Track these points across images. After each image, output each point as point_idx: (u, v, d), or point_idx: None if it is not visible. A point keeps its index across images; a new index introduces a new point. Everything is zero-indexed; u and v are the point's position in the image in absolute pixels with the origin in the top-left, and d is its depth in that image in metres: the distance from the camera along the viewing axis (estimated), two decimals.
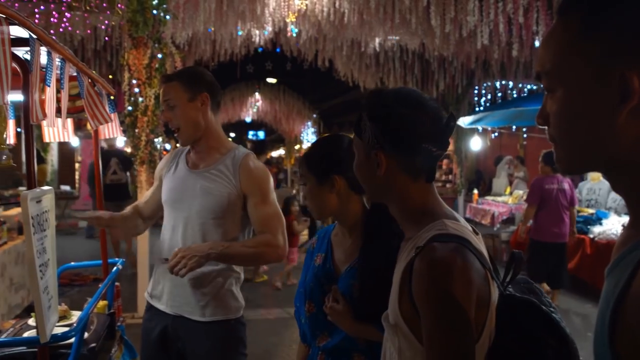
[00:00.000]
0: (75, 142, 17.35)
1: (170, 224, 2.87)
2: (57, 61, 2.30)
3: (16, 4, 8.92)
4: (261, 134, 34.39)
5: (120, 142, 16.01)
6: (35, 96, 1.94)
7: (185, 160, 2.95)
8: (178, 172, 2.92)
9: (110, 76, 13.09)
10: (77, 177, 18.76)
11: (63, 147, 17.54)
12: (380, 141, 1.56)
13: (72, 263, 4.17)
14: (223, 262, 2.73)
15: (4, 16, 1.75)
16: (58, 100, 2.38)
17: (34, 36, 1.97)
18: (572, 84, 1.00)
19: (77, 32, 10.08)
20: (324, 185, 2.09)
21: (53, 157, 17.16)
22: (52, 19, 9.43)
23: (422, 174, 1.58)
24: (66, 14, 9.32)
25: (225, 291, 2.82)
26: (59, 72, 2.33)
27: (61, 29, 9.78)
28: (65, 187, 16.40)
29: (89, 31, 10.43)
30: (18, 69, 1.97)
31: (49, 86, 2.16)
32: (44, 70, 2.19)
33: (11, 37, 1.95)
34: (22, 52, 2.05)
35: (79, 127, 14.51)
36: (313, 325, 2.13)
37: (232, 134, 37.54)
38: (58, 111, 2.44)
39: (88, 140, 16.00)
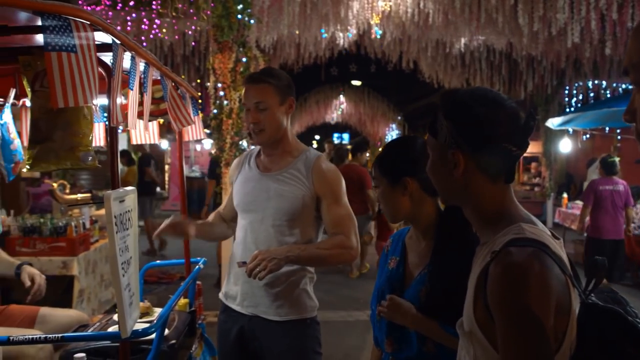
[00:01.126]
0: (164, 144, 17.96)
1: (244, 227, 2.91)
2: (141, 65, 2.38)
3: (110, 12, 9.32)
4: (346, 137, 34.49)
5: (208, 144, 16.44)
6: (116, 99, 2.01)
7: (255, 164, 2.98)
8: (249, 176, 2.95)
9: (199, 80, 13.47)
10: (166, 178, 19.37)
11: (154, 149, 18.16)
12: (458, 140, 1.52)
13: (157, 261, 4.31)
14: (300, 264, 2.75)
15: (88, 23, 1.82)
16: (141, 104, 2.46)
17: (118, 41, 2.05)
18: None
19: (166, 37, 10.44)
20: (396, 188, 2.07)
21: None
22: (143, 26, 9.79)
23: (501, 175, 1.53)
24: (156, 20, 9.66)
25: (300, 291, 2.84)
26: (142, 76, 2.41)
27: (151, 36, 10.14)
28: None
29: (177, 37, 10.78)
30: (104, 74, 2.06)
31: (132, 90, 2.23)
32: (128, 74, 2.27)
33: (99, 43, 2.04)
34: (109, 57, 2.12)
35: (169, 130, 14.98)
36: (382, 329, 2.11)
37: (317, 136, 37.88)
38: (142, 114, 2.52)
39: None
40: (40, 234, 5.42)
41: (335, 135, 34.94)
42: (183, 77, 12.75)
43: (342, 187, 2.88)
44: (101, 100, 2.98)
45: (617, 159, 8.05)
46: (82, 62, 1.76)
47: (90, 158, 2.30)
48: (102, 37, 2.02)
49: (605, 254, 7.49)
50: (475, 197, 1.55)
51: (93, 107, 2.41)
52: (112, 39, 2.01)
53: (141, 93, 2.43)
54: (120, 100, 2.12)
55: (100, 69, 2.05)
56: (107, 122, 2.21)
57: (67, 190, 6.93)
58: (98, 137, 3.84)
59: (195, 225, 2.94)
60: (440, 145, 1.57)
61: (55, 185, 6.70)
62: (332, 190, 2.84)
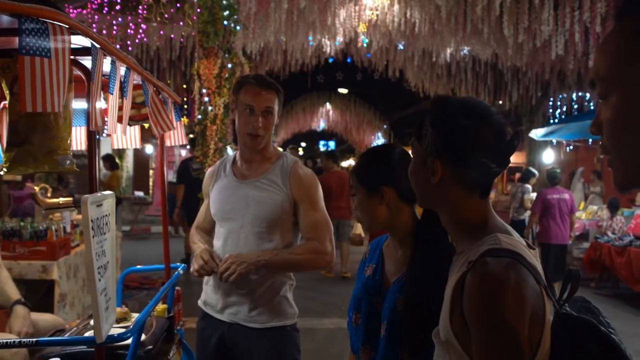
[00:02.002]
0: (149, 149, 17.90)
1: (223, 235, 2.91)
2: (122, 69, 2.38)
3: (96, 16, 9.29)
4: (332, 144, 34.62)
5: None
6: (95, 104, 2.00)
7: (232, 172, 2.99)
8: (226, 185, 2.96)
9: (184, 85, 13.45)
10: (150, 183, 19.28)
11: (138, 154, 18.10)
12: (438, 148, 1.54)
13: (138, 266, 4.28)
14: (272, 269, 2.76)
15: (67, 27, 1.81)
16: (121, 108, 2.45)
17: (97, 45, 2.04)
18: (627, 89, 0.96)
19: (154, 41, 10.40)
20: (373, 196, 2.07)
21: (128, 163, 17.72)
22: (129, 30, 9.77)
23: (477, 188, 1.55)
24: (142, 25, 9.64)
25: (280, 298, 2.84)
26: (122, 80, 2.40)
27: (137, 40, 10.11)
28: (139, 193, 16.90)
29: (163, 42, 10.75)
30: (83, 77, 2.05)
31: (111, 94, 2.23)
32: (108, 78, 2.26)
33: (79, 46, 2.04)
34: (90, 61, 2.12)
35: (153, 134, 14.92)
36: (358, 336, 2.11)
37: (303, 143, 37.95)
38: (122, 119, 2.51)
39: None
40: (20, 237, 5.37)
41: (322, 142, 35.05)
42: (169, 82, 12.74)
43: (318, 192, 2.91)
44: (81, 104, 2.97)
45: (558, 171, 8.88)
46: (54, 67, 1.74)
47: (68, 162, 2.28)
48: (82, 40, 2.02)
49: (550, 258, 8.40)
50: (450, 206, 1.57)
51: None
52: (92, 43, 2.01)
53: (121, 97, 2.43)
54: (100, 104, 2.11)
55: (79, 73, 2.05)
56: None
57: (49, 194, 6.87)
58: (80, 140, 3.83)
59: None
60: (422, 150, 1.59)
61: (37, 188, 6.64)
62: (309, 195, 2.86)
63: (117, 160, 13.21)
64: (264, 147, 2.90)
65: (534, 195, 9.87)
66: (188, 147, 10.50)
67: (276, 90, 2.88)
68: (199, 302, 3.01)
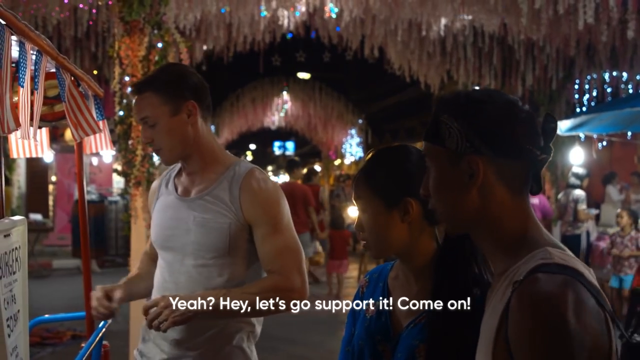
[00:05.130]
0: (48, 157, 17.65)
1: (163, 269, 2.89)
2: (31, 54, 2.35)
3: None
4: (290, 146, 34.50)
5: (108, 157, 16.20)
6: (6, 99, 1.97)
7: (174, 185, 2.97)
8: (167, 203, 2.95)
9: (95, 72, 13.30)
10: (50, 202, 18.94)
11: (33, 164, 17.76)
12: (475, 143, 1.58)
13: (46, 315, 4.22)
14: (218, 316, 2.71)
15: None
16: (31, 105, 2.42)
17: (2, 22, 2.02)
18: None
19: (52, 14, 10.25)
20: (394, 211, 2.07)
21: (20, 176, 17.39)
22: None
23: (525, 185, 1.62)
24: None
25: (232, 349, 2.81)
26: (33, 67, 2.38)
27: (32, 11, 9.95)
28: (36, 216, 16.57)
29: (67, 13, 10.61)
30: None
31: (22, 86, 2.20)
32: (15, 66, 2.23)
33: None
34: None
35: (54, 137, 14.73)
36: None
37: (253, 146, 37.84)
38: (31, 118, 2.49)
39: (66, 154, 16.13)
40: None
41: (277, 143, 34.96)
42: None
43: (282, 210, 2.87)
44: None
45: None
46: None
47: None
48: None
49: None
50: (492, 215, 1.62)
51: None
52: None
53: (31, 91, 2.40)
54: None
55: None
56: None
57: None
58: None
59: (121, 289, 2.89)
60: (449, 154, 1.63)
61: None
62: (268, 214, 2.83)
63: (5, 172, 13.00)
64: (197, 156, 2.89)
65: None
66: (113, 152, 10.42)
67: (151, 89, 2.84)
68: (135, 352, 3.01)
